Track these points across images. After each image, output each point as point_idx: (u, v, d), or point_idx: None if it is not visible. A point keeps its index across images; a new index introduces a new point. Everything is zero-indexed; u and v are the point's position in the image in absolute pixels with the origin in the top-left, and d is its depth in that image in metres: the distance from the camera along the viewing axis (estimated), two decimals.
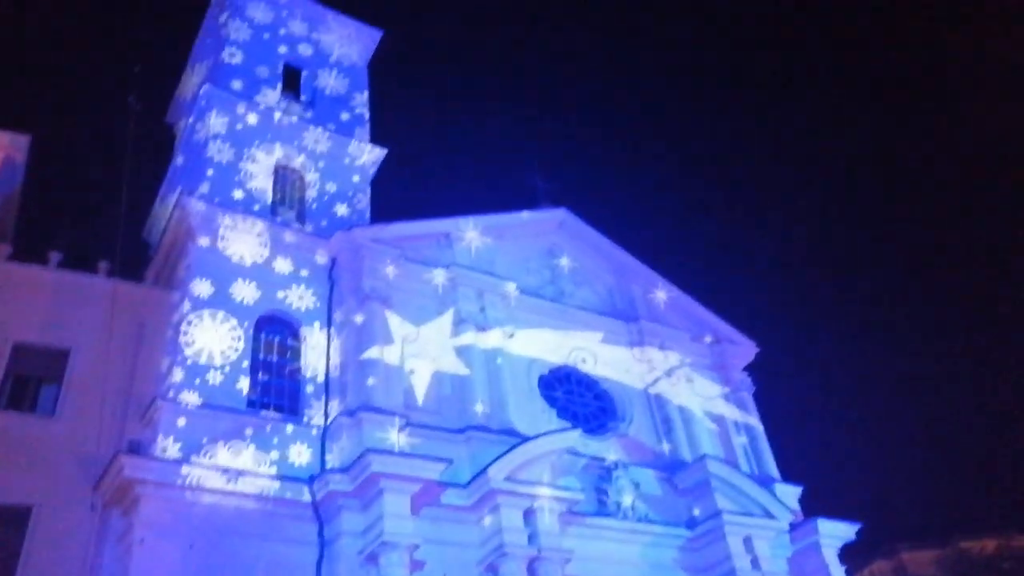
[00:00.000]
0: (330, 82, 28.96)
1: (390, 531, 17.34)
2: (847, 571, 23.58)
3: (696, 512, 22.49)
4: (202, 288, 20.42)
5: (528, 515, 19.24)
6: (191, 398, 18.53)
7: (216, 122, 24.46)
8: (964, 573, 30.84)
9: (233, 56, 26.87)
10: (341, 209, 25.19)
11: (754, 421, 27.11)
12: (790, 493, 25.06)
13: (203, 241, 21.30)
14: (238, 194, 23.19)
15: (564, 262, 27.46)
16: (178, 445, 17.70)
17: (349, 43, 30.74)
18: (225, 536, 17.02)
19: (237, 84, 26.08)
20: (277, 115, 25.76)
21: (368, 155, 27.15)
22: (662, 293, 28.29)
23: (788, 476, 26.04)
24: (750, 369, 28.82)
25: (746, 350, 28.84)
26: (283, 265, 22.25)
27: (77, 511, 17.29)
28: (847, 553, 23.89)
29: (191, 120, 26.74)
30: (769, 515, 22.59)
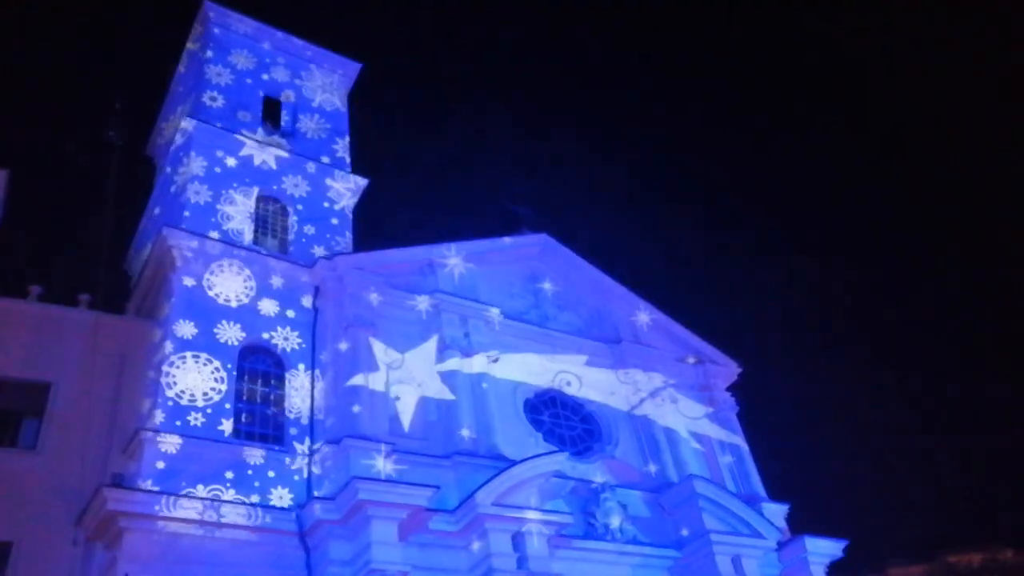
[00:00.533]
0: (310, 114, 29.22)
1: (378, 559, 17.21)
2: None
3: (684, 532, 22.50)
4: (183, 320, 20.35)
5: (517, 539, 19.16)
6: (174, 429, 18.38)
7: (196, 154, 24.55)
8: None
9: (212, 88, 27.03)
10: (323, 238, 25.29)
11: (739, 440, 27.27)
12: (777, 511, 25.13)
13: (184, 272, 21.27)
14: (219, 225, 23.22)
15: (547, 286, 27.69)
16: (162, 477, 17.53)
17: (329, 75, 31.08)
18: (211, 568, 16.82)
19: (217, 116, 26.22)
20: (257, 146, 25.90)
21: (350, 185, 27.33)
22: (644, 315, 28.55)
23: (774, 494, 26.15)
24: (733, 389, 29.06)
25: (729, 370, 29.10)
26: (266, 295, 22.25)
27: (59, 546, 17.05)
28: (835, 570, 23.95)
29: (171, 152, 26.83)
30: (757, 534, 22.65)
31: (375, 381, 21.28)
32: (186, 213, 22.92)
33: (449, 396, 22.45)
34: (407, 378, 22.40)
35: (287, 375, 21.41)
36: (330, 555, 17.81)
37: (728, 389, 28.86)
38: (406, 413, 21.76)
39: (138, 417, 19.14)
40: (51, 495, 17.68)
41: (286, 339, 21.84)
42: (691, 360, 28.57)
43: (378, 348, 22.07)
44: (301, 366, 21.69)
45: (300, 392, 21.14)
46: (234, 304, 21.52)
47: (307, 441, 20.30)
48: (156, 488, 17.21)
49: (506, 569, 18.45)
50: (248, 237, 23.65)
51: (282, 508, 18.37)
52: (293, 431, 20.34)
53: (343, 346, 21.57)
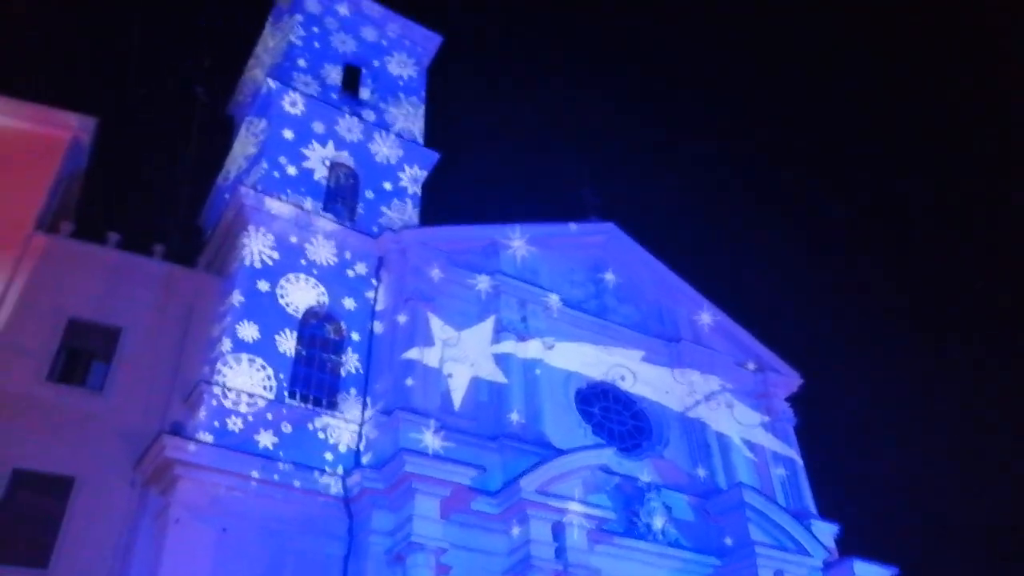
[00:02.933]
0: (389, 84, 29.35)
1: (418, 533, 17.36)
2: None
3: (728, 541, 22.03)
4: (250, 279, 20.76)
5: (557, 529, 19.09)
6: (234, 384, 18.82)
7: (276, 116, 24.92)
8: None
9: (296, 52, 27.39)
10: (392, 209, 25.44)
11: (794, 454, 26.53)
12: (826, 531, 24.41)
13: (255, 231, 21.67)
14: (292, 188, 23.56)
15: (609, 277, 27.27)
16: (218, 430, 17.99)
17: (411, 46, 31.15)
18: (257, 523, 17.25)
19: (299, 80, 26.56)
20: (335, 112, 26.17)
21: (421, 158, 27.39)
22: (707, 316, 27.92)
23: (826, 513, 25.40)
24: (793, 400, 28.25)
25: (790, 380, 28.29)
26: (332, 260, 22.53)
27: (117, 486, 17.66)
28: None
29: (252, 112, 27.31)
30: (803, 551, 22.03)
31: (430, 356, 21.35)
32: (260, 173, 23.32)
33: (501, 379, 22.39)
34: (461, 356, 22.40)
35: (346, 342, 21.67)
36: (372, 524, 18.04)
37: (787, 400, 28.06)
38: (458, 391, 21.79)
39: (201, 369, 19.65)
40: (114, 436, 18.31)
41: (348, 307, 22.08)
42: (751, 366, 27.86)
43: (435, 324, 22.12)
44: (360, 320, 21.89)
45: (357, 360, 21.36)
46: (300, 268, 21.84)
47: (362, 396, 20.53)
48: (211, 440, 17.67)
49: (544, 557, 18.39)
50: (319, 202, 23.93)
51: (330, 473, 18.66)
52: (347, 397, 20.59)
53: (402, 318, 21.69)
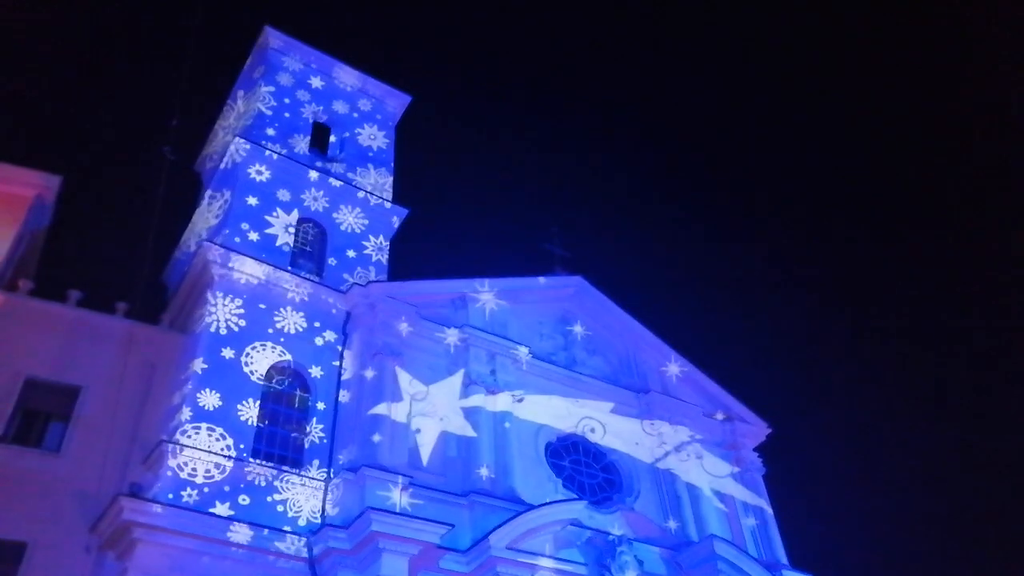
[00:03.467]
0: (358, 142, 29.73)
1: None
2: None
3: None
4: (215, 335, 20.54)
5: None
6: (196, 444, 18.43)
7: (243, 174, 25.04)
8: None
9: (265, 110, 27.68)
10: (360, 264, 25.48)
11: (764, 503, 26.53)
12: None
13: (220, 288, 21.53)
14: (259, 244, 23.53)
15: (578, 329, 27.48)
16: (179, 490, 17.53)
17: (379, 105, 31.68)
18: None
19: (267, 136, 26.80)
20: (303, 170, 26.36)
21: (390, 214, 27.60)
22: (675, 367, 28.15)
23: (797, 563, 25.29)
24: (761, 450, 28.37)
25: (758, 430, 28.47)
26: (298, 316, 22.41)
27: (72, 551, 17.08)
28: None
29: (219, 170, 27.40)
30: None
31: (398, 411, 21.17)
32: (227, 230, 23.28)
33: (471, 433, 22.23)
34: (430, 411, 22.26)
35: (311, 398, 21.42)
36: None
37: (756, 450, 28.19)
38: (426, 446, 21.57)
39: (162, 429, 19.24)
40: (69, 499, 17.77)
41: (314, 363, 21.90)
42: (719, 416, 28.02)
43: (404, 378, 22.00)
44: (326, 391, 21.70)
45: (323, 417, 21.10)
46: (266, 324, 21.67)
47: (325, 467, 20.18)
48: (172, 502, 17.20)
49: None
50: (285, 258, 23.91)
51: (294, 533, 18.22)
52: (313, 456, 20.25)
53: (369, 373, 21.54)
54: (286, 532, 18.12)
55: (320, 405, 21.22)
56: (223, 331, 20.78)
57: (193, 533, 16.87)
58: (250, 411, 19.95)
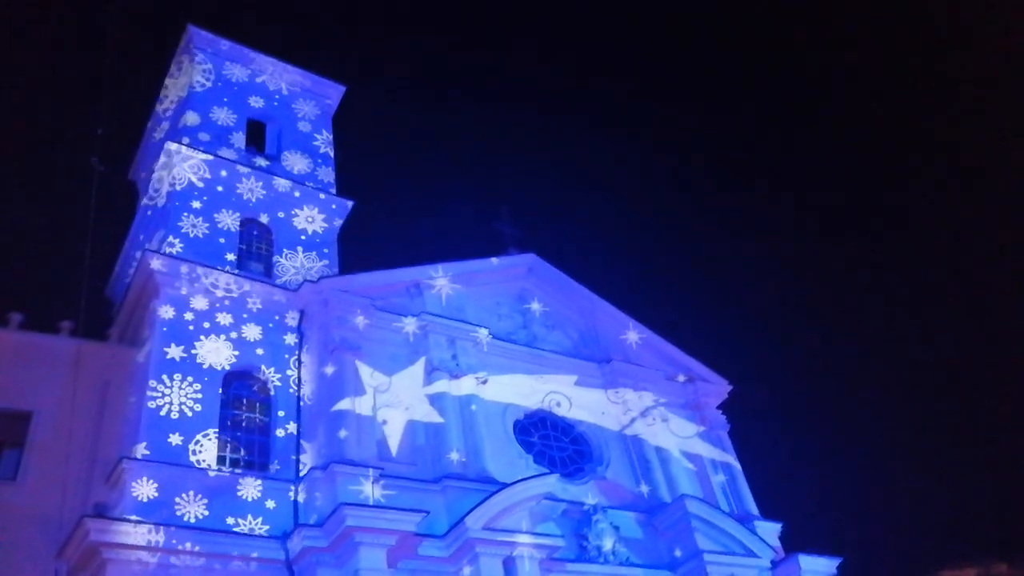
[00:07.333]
0: (295, 136, 29.18)
1: None
2: None
3: (677, 553, 22.27)
4: (166, 347, 20.07)
5: (508, 564, 18.90)
6: (158, 458, 18.05)
7: (179, 178, 24.40)
8: None
9: (196, 112, 26.95)
10: (309, 262, 25.11)
11: (731, 459, 27.12)
12: (770, 530, 24.96)
13: (166, 297, 21.02)
14: (203, 249, 23.01)
15: (535, 307, 27.58)
16: (146, 506, 17.16)
17: (314, 98, 31.07)
18: None
19: (200, 139, 26.11)
20: (241, 169, 25.79)
21: (335, 207, 27.22)
22: (633, 334, 28.48)
23: (768, 513, 26.00)
24: (724, 407, 28.96)
25: (720, 388, 29.02)
26: (250, 320, 22.01)
27: None
28: None
29: (153, 176, 26.65)
30: (750, 553, 22.47)
31: (362, 405, 21.02)
32: (169, 238, 22.71)
33: (437, 419, 22.21)
34: (394, 401, 22.14)
35: (272, 401, 21.12)
36: None
37: (719, 407, 28.75)
38: (394, 437, 21.48)
39: (121, 446, 18.80)
40: (32, 526, 17.25)
41: (271, 364, 21.58)
42: (681, 378, 28.48)
43: (364, 371, 21.83)
44: (286, 377, 21.41)
45: (286, 418, 20.84)
46: (218, 330, 21.26)
47: (293, 467, 19.97)
48: (140, 518, 16.84)
49: None
50: (232, 261, 23.43)
51: (268, 537, 18.03)
52: (278, 458, 20.00)
53: (329, 370, 21.33)
54: (260, 537, 17.90)
55: (281, 411, 20.89)
56: (174, 340, 20.31)
57: (163, 548, 16.56)
58: (210, 418, 19.59)
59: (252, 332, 21.77)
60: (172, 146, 24.96)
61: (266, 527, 18.32)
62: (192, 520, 17.44)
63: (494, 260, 27.60)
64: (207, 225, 23.75)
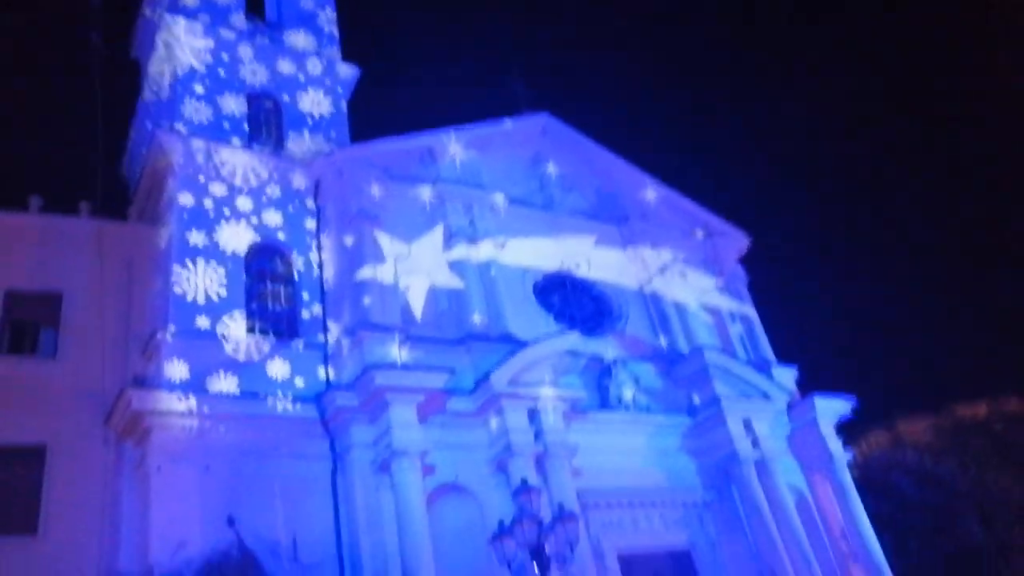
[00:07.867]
0: (297, 2, 27.95)
1: (399, 440, 17.78)
2: (845, 444, 24.34)
3: (696, 400, 23.02)
4: (186, 225, 20.21)
5: (532, 415, 19.63)
6: (189, 330, 18.63)
7: (180, 52, 23.73)
8: (958, 437, 31.80)
9: None
10: (320, 131, 24.73)
11: (749, 310, 27.44)
12: (786, 374, 25.59)
13: (181, 176, 20.96)
14: (213, 125, 22.70)
15: (551, 169, 27.18)
16: (182, 374, 17.86)
17: None
18: (239, 456, 17.41)
19: (199, 9, 25.15)
20: (244, 40, 24.99)
21: (342, 74, 26.48)
22: (650, 192, 28.13)
23: (783, 358, 26.54)
24: (743, 259, 28.97)
25: (738, 241, 28.94)
26: (266, 193, 21.98)
27: (91, 446, 17.64)
28: (844, 427, 24.61)
29: (155, 52, 25.92)
30: (766, 396, 23.16)
31: (383, 273, 21.28)
32: (177, 114, 22.38)
33: (458, 284, 22.49)
34: (415, 268, 22.35)
35: (296, 272, 21.45)
36: (352, 438, 18.39)
37: (738, 260, 28.77)
38: (417, 303, 21.85)
39: (153, 319, 19.36)
40: (77, 398, 18.13)
41: (291, 237, 21.74)
42: (699, 234, 28.36)
43: (384, 240, 21.94)
44: (307, 248, 21.67)
45: (311, 300, 21.15)
46: (235, 205, 21.29)
47: (321, 335, 20.50)
48: (177, 384, 17.58)
49: (523, 443, 19.04)
50: (242, 136, 23.16)
51: (303, 397, 18.81)
52: (305, 335, 20.35)
53: (348, 240, 21.48)
54: (295, 397, 18.68)
55: (305, 292, 21.14)
56: (193, 218, 20.44)
57: (203, 412, 17.39)
58: (236, 291, 20.02)
59: (268, 206, 21.81)
60: (168, 18, 24.14)
61: (300, 389, 19.07)
62: (227, 386, 18.18)
63: (507, 123, 26.94)
64: (213, 100, 23.31)
